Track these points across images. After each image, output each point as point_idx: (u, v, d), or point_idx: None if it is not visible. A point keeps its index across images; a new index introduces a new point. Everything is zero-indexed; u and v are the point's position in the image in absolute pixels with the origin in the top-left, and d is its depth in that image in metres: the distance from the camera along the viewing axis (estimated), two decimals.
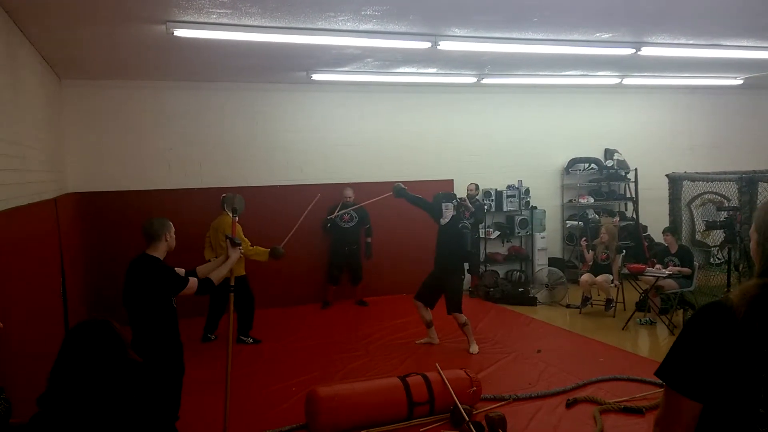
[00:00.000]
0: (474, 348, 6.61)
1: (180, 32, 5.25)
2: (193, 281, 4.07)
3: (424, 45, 6.09)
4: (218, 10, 4.87)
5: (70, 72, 7.47)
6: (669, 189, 8.63)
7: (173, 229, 4.12)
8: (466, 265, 7.67)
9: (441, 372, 5.00)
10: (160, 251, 4.04)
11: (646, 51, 6.82)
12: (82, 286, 7.21)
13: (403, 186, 6.95)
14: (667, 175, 8.68)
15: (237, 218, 4.66)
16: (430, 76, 8.57)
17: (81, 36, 5.63)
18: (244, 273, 6.85)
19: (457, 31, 5.88)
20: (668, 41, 6.71)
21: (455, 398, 4.75)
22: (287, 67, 7.67)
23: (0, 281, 3.62)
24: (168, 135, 8.46)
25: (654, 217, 9.96)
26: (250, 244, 6.55)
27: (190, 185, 8.39)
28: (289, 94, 8.95)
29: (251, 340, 7.12)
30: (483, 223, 9.61)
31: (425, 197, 6.94)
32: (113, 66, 7.25)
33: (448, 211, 6.61)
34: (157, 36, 5.58)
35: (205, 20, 5.14)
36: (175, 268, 4.09)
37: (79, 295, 6.86)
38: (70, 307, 5.95)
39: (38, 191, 5.48)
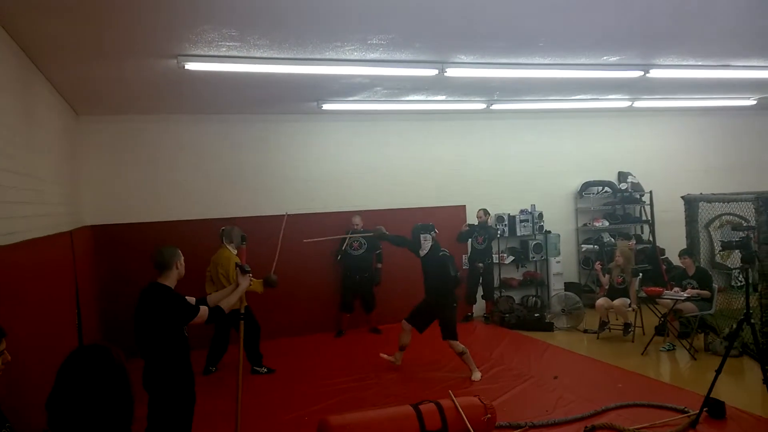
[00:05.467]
0: (476, 375, 6.54)
1: (191, 65, 5.36)
2: (204, 309, 4.08)
3: (431, 72, 6.15)
4: (227, 43, 4.98)
5: (87, 107, 7.65)
6: (685, 211, 8.53)
7: (183, 258, 4.14)
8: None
9: (454, 399, 4.92)
10: (170, 280, 4.05)
11: (654, 73, 6.83)
12: (96, 317, 7.26)
13: (383, 230, 7.14)
14: (682, 197, 8.59)
15: (245, 246, 4.67)
16: (439, 103, 8.63)
17: (96, 72, 5.79)
18: (246, 304, 6.85)
19: (464, 58, 5.94)
20: (677, 63, 6.71)
21: (469, 426, 4.66)
22: (297, 98, 7.78)
23: (17, 312, 3.65)
24: (181, 167, 8.59)
25: (671, 240, 9.84)
26: None
27: (203, 216, 8.47)
28: (299, 124, 9.07)
29: (265, 370, 7.08)
30: (496, 246, 9.55)
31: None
32: (128, 101, 7.41)
33: (427, 242, 6.67)
34: (168, 70, 5.71)
35: (215, 53, 5.25)
36: (186, 297, 4.10)
37: (93, 326, 6.89)
38: (85, 337, 5.99)
39: (55, 223, 5.57)
